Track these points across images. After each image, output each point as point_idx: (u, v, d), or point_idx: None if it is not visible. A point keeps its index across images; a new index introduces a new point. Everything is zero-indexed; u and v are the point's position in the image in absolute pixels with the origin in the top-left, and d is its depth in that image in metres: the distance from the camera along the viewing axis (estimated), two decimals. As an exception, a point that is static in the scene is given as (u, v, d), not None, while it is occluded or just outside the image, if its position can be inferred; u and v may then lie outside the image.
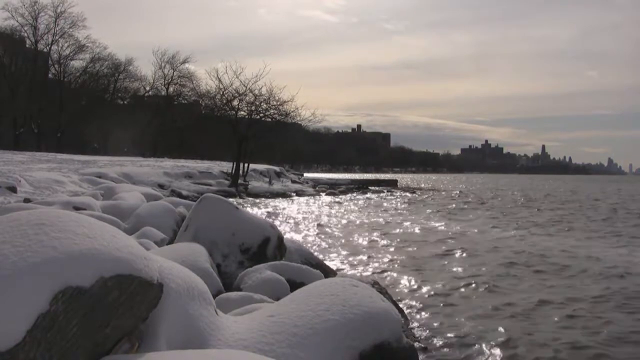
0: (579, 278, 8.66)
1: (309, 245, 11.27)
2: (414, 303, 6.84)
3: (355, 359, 3.09)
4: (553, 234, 14.90)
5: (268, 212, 19.86)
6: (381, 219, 18.43)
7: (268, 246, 6.17)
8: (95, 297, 2.15)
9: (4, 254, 2.04)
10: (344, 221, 17.39)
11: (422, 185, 61.98)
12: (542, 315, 6.42)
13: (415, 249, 11.62)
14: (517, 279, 8.53)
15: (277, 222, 14.40)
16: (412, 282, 8.13)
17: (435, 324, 5.93)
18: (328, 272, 6.67)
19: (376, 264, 9.67)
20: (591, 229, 16.23)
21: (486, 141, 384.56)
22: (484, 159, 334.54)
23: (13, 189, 14.99)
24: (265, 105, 34.90)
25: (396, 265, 9.57)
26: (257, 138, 36.70)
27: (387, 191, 42.27)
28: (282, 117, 35.72)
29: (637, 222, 18.49)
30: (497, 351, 5.12)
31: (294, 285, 4.80)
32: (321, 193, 36.18)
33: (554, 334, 5.67)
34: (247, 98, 34.48)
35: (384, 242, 12.61)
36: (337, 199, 30.47)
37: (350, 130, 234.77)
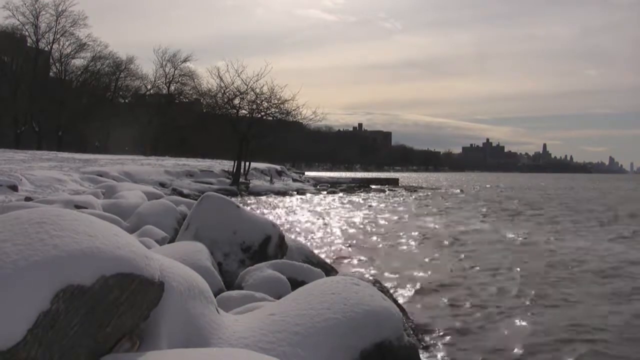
0: (583, 275, 8.65)
1: (310, 243, 11.27)
2: (415, 302, 6.84)
3: (356, 358, 3.08)
4: (557, 233, 14.87)
5: (269, 211, 19.87)
6: (382, 218, 18.42)
7: (269, 245, 6.16)
8: (96, 296, 2.15)
9: (5, 253, 2.04)
10: (344, 220, 17.39)
11: (424, 184, 61.96)
12: (544, 313, 6.41)
13: (416, 247, 11.62)
14: (519, 278, 8.52)
15: (278, 221, 14.40)
16: (414, 281, 8.12)
17: (436, 323, 5.92)
18: (329, 271, 6.66)
19: (377, 263, 9.67)
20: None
21: (487, 140, 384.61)
22: (485, 157, 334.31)
23: (14, 188, 15.00)
24: (266, 104, 34.94)
25: (397, 264, 9.57)
26: (258, 137, 36.71)
27: (389, 190, 42.25)
28: (283, 115, 35.73)
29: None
30: (498, 350, 5.12)
31: (295, 284, 4.80)
32: (322, 192, 36.17)
33: (556, 333, 5.67)
34: (249, 97, 34.52)
35: (385, 240, 12.60)
36: (338, 198, 30.46)
37: (351, 129, 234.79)
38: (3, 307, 1.89)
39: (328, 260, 8.43)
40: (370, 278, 6.94)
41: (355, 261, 9.79)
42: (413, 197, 33.43)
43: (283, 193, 31.99)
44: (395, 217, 18.68)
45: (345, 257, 10.14)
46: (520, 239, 13.33)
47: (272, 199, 27.39)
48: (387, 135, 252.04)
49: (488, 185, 55.64)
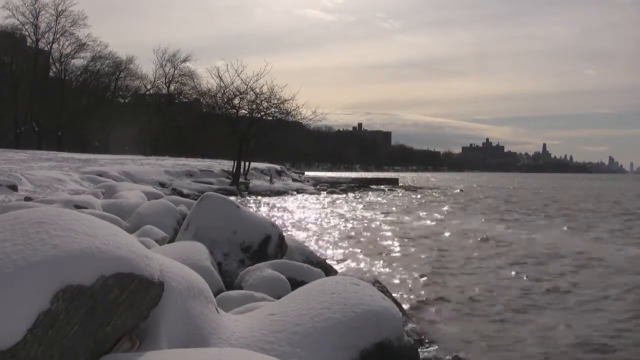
0: (588, 273, 8.65)
1: (310, 243, 11.27)
2: (414, 301, 6.84)
3: (356, 358, 3.08)
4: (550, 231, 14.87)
5: (269, 211, 19.87)
6: (381, 217, 18.42)
7: (269, 245, 6.16)
8: (96, 296, 2.15)
9: (4, 252, 2.04)
10: (344, 219, 17.39)
11: (423, 183, 61.97)
12: (544, 313, 6.41)
13: (416, 247, 11.62)
14: (519, 277, 8.52)
15: (278, 221, 14.40)
16: (413, 281, 8.13)
17: (436, 323, 5.92)
18: (329, 271, 6.67)
19: (377, 263, 9.67)
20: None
21: (487, 140, 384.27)
22: (485, 157, 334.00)
23: (14, 188, 15.00)
24: (266, 104, 34.92)
25: (397, 264, 9.57)
26: (258, 136, 36.69)
27: (388, 190, 42.27)
28: (283, 115, 35.73)
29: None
30: (498, 349, 5.12)
31: (295, 284, 4.80)
32: (322, 192, 36.17)
33: (556, 332, 5.67)
34: (248, 96, 34.51)
35: (385, 240, 12.61)
36: (338, 198, 30.46)
37: (350, 129, 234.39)
38: (3, 307, 1.89)
39: (328, 260, 8.43)
40: (370, 278, 6.94)
41: (355, 261, 9.79)
42: (413, 197, 33.43)
43: (283, 193, 31.99)
44: (395, 218, 18.68)
45: (345, 257, 10.14)
46: (523, 237, 13.33)
47: (271, 199, 27.39)
48: (386, 135, 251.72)
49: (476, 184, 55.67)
